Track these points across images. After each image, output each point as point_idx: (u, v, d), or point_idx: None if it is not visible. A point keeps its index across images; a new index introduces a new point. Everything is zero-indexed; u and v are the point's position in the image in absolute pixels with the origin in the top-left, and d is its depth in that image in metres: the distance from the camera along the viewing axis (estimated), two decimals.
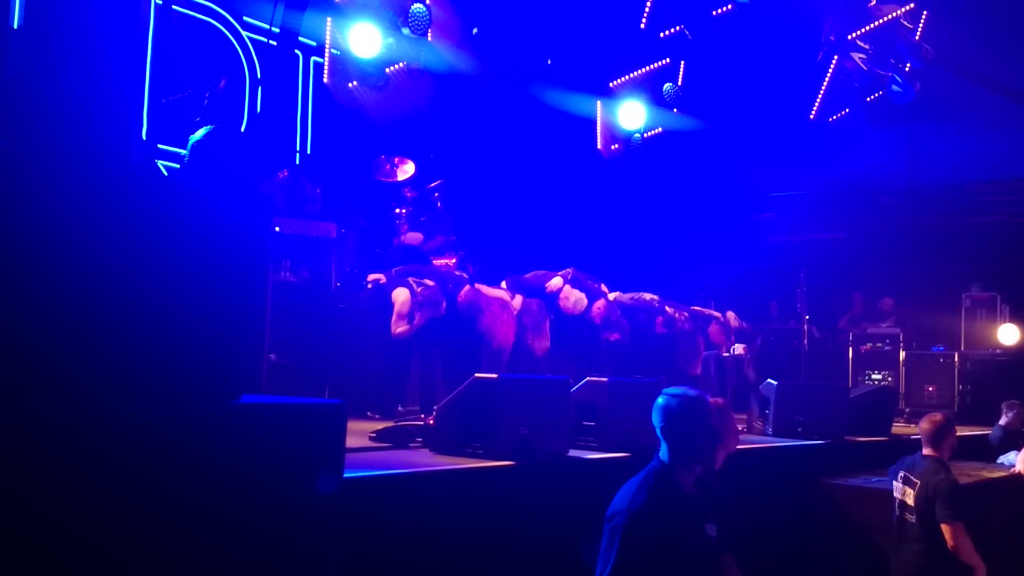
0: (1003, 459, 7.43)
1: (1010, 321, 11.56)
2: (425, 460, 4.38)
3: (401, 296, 7.33)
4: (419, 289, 7.34)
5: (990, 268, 12.51)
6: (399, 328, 7.25)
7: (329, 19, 8.88)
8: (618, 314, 8.71)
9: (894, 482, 5.51)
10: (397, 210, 8.62)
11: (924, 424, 5.57)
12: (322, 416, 2.60)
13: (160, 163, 7.08)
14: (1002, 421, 8.67)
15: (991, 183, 13.00)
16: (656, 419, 3.45)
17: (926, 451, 5.44)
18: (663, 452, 3.44)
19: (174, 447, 2.26)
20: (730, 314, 9.71)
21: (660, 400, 3.47)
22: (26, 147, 2.39)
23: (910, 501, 5.30)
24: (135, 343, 2.33)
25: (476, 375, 4.79)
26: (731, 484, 4.18)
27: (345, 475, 3.00)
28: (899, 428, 9.24)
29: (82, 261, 2.29)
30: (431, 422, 5.06)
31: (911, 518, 5.28)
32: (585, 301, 8.45)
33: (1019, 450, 6.97)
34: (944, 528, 5.12)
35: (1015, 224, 12.92)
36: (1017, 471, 6.73)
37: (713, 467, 4.09)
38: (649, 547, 3.17)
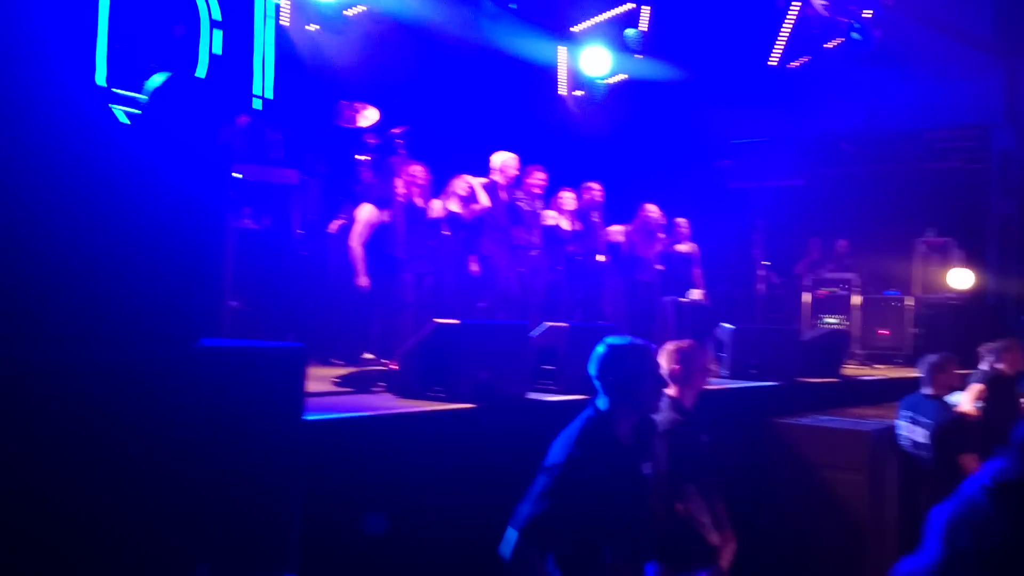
0: (948, 398, 7.65)
1: (963, 266, 11.80)
2: (388, 404, 4.48)
3: (363, 212, 7.47)
4: None
5: (945, 214, 12.74)
6: (362, 282, 7.41)
7: None
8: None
9: (899, 421, 5.73)
10: (359, 157, 8.59)
11: (922, 365, 5.84)
12: (282, 359, 2.67)
13: (117, 108, 6.99)
14: (984, 366, 7.45)
15: (948, 130, 13.17)
16: (595, 368, 3.43)
17: (926, 391, 5.68)
18: (600, 400, 3.42)
19: (135, 390, 2.32)
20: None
21: (600, 348, 3.45)
22: None
23: (920, 439, 5.55)
24: (94, 289, 2.38)
25: (437, 320, 4.88)
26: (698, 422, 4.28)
27: (308, 418, 3.09)
28: (853, 371, 9.51)
29: (40, 208, 2.32)
30: (394, 367, 5.15)
31: (925, 455, 5.54)
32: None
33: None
34: (962, 460, 5.38)
35: (970, 170, 13.12)
36: (963, 411, 6.97)
37: (682, 408, 4.19)
38: (584, 497, 3.19)
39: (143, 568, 2.35)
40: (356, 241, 7.49)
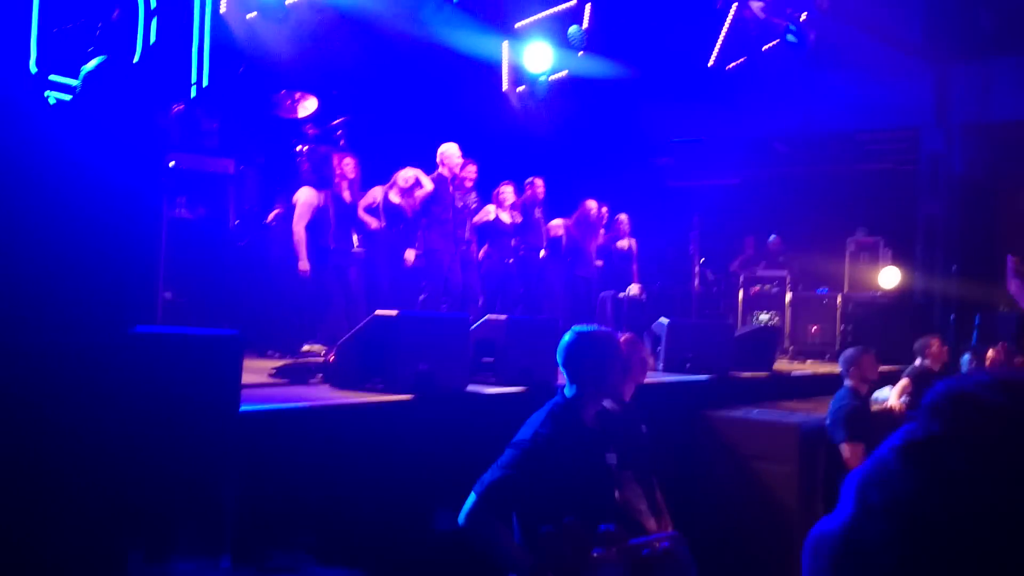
0: (877, 394, 7.88)
1: (892, 265, 12.14)
2: (324, 395, 4.46)
3: (303, 195, 7.44)
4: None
5: (875, 214, 13.10)
6: (303, 266, 7.37)
7: None
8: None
9: None
10: (298, 147, 8.52)
11: (841, 359, 6.04)
12: (217, 347, 2.65)
13: (51, 95, 6.83)
14: (917, 363, 7.77)
15: (879, 131, 13.55)
16: (562, 355, 3.56)
17: (846, 383, 5.90)
18: (568, 388, 3.56)
19: (68, 376, 2.30)
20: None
21: (567, 336, 3.59)
22: None
23: None
24: (26, 275, 2.34)
25: (376, 312, 4.87)
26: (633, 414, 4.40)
27: (242, 409, 3.07)
28: (784, 366, 9.72)
29: None
30: (331, 359, 5.12)
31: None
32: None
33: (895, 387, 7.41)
34: (843, 448, 5.55)
35: (900, 172, 13.51)
36: (889, 406, 7.18)
37: (620, 399, 4.30)
38: (546, 472, 3.32)
39: (75, 554, 2.33)
40: (299, 224, 7.44)
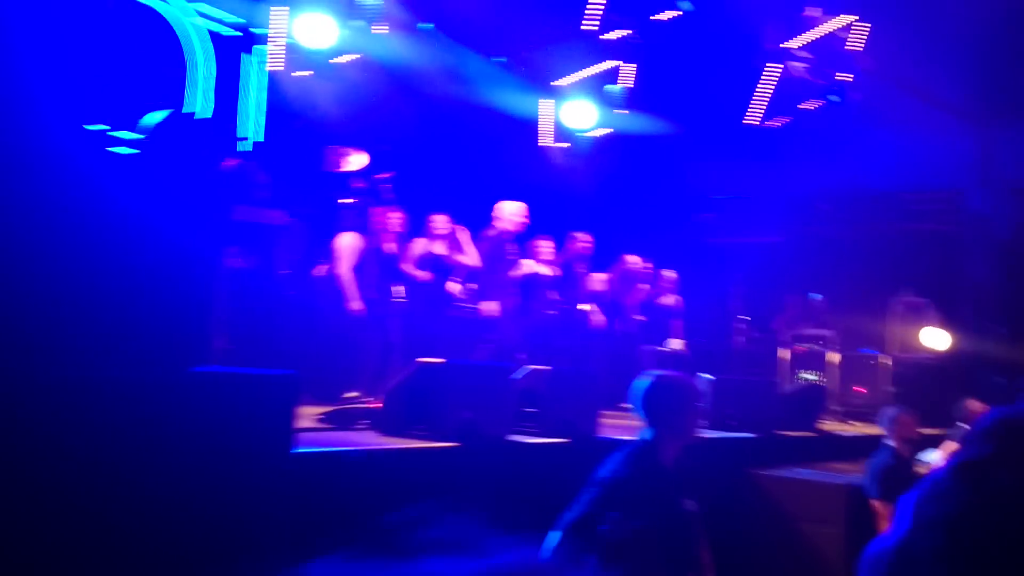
0: (924, 456, 7.73)
1: (939, 326, 11.97)
2: (371, 440, 4.49)
3: (345, 240, 7.55)
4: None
5: (921, 274, 12.94)
6: (356, 306, 7.47)
7: (283, 8, 8.90)
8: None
9: None
10: (344, 200, 8.68)
11: (881, 418, 6.01)
12: (274, 386, 2.70)
13: (114, 149, 7.06)
14: (961, 425, 7.40)
15: (923, 192, 13.46)
16: (639, 400, 3.60)
17: (887, 443, 5.87)
18: (645, 431, 3.60)
19: (131, 410, 2.36)
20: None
21: (644, 381, 3.63)
22: None
23: None
24: (96, 313, 2.43)
25: (420, 359, 4.92)
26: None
27: (295, 450, 3.11)
28: (830, 426, 9.58)
29: (51, 246, 2.40)
30: (378, 405, 5.17)
31: None
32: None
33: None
34: (875, 504, 5.46)
35: (945, 233, 13.38)
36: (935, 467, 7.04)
37: (693, 445, 4.29)
38: (629, 513, 3.34)
39: None
40: (344, 267, 7.57)
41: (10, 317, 2.30)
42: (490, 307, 8.09)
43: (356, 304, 7.48)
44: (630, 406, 3.66)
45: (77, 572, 2.15)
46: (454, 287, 8.17)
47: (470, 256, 8.31)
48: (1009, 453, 0.68)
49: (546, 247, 9.02)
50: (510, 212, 8.39)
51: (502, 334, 8.36)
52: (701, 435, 4.24)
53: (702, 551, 4.28)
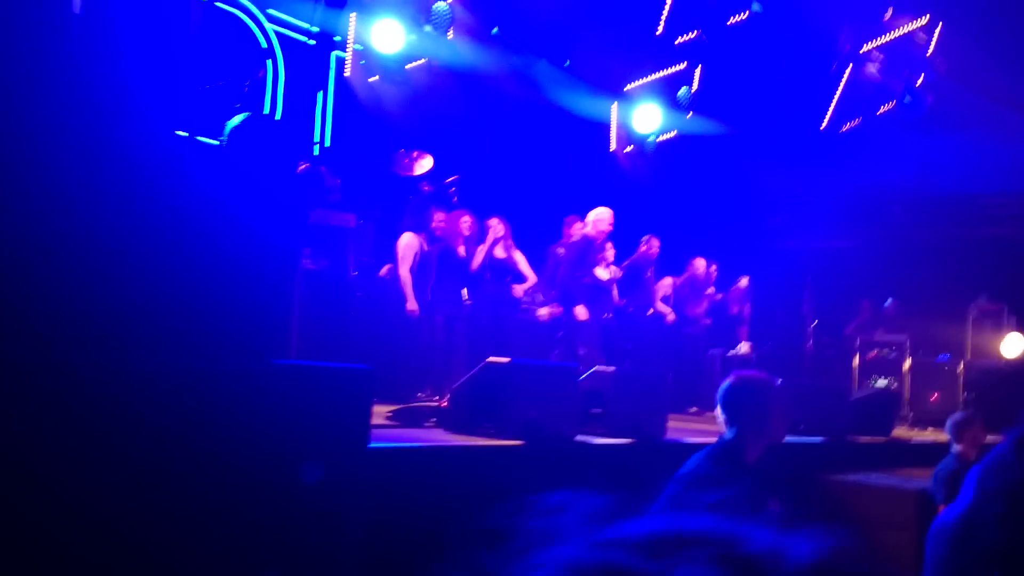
0: None
1: (1016, 332, 11.65)
2: (439, 437, 4.57)
3: (404, 240, 7.67)
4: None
5: (997, 279, 12.59)
6: (411, 306, 7.60)
7: (353, 14, 9.09)
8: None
9: None
10: (414, 203, 8.82)
11: (948, 424, 5.91)
12: (351, 379, 2.79)
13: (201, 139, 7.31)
14: None
15: (999, 195, 13.12)
16: (722, 398, 3.58)
17: (954, 449, 5.77)
18: (729, 431, 3.56)
19: (214, 399, 2.46)
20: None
21: (728, 382, 3.61)
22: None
23: None
24: (184, 303, 2.54)
25: (489, 359, 4.99)
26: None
27: (369, 445, 3.20)
28: (903, 432, 9.39)
29: (146, 243, 2.52)
30: (445, 404, 5.26)
31: None
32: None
33: None
34: (941, 509, 5.37)
35: (1021, 237, 13.02)
36: None
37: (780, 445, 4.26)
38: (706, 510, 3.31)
39: (212, 573, 2.46)
40: (403, 268, 7.71)
41: (100, 307, 2.42)
42: (579, 312, 8.17)
43: (412, 304, 7.61)
44: (714, 408, 3.63)
45: (158, 565, 2.26)
46: (519, 291, 8.25)
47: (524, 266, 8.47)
48: None
49: (606, 250, 9.06)
50: (598, 217, 8.44)
51: (583, 337, 8.40)
52: (783, 438, 4.16)
53: None
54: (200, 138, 6.44)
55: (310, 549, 2.56)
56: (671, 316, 9.60)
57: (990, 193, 13.09)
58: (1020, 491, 0.64)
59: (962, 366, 11.18)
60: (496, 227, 8.66)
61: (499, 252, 8.33)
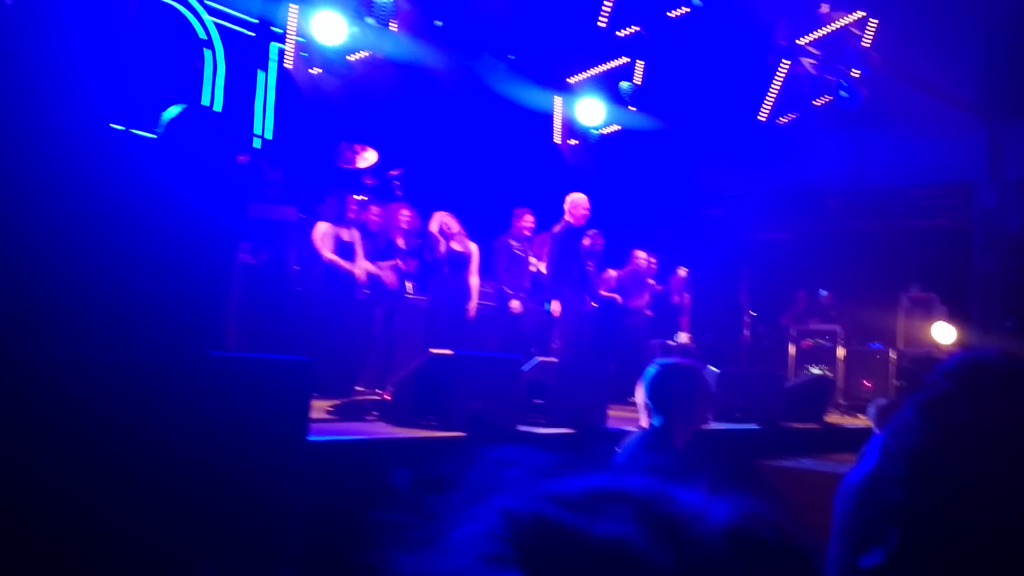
0: None
1: (946, 321, 12.01)
2: (381, 430, 4.59)
3: (320, 229, 7.68)
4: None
5: (928, 269, 12.99)
6: (358, 270, 7.65)
7: (295, 6, 9.00)
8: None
9: None
10: (356, 196, 8.78)
11: (870, 409, 6.03)
12: (289, 371, 2.80)
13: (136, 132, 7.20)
14: None
15: (933, 187, 13.50)
16: (647, 388, 3.58)
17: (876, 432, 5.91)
18: (655, 419, 3.56)
19: (149, 390, 2.46)
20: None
21: (651, 369, 3.60)
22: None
23: None
24: (117, 297, 2.53)
25: (431, 351, 5.02)
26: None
27: (308, 438, 3.21)
28: (836, 419, 9.65)
29: (75, 231, 2.50)
30: (387, 397, 5.27)
31: None
32: None
33: None
34: None
35: (954, 228, 13.42)
36: None
37: (715, 431, 4.34)
38: None
39: (151, 565, 2.47)
40: (326, 252, 7.70)
41: (31, 300, 2.40)
42: (554, 307, 8.26)
43: (360, 268, 7.68)
44: (638, 396, 3.67)
45: (90, 555, 2.26)
46: (517, 307, 8.41)
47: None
48: (967, 390, 0.78)
49: (596, 238, 9.24)
50: (575, 203, 8.49)
51: (559, 331, 8.49)
52: (710, 422, 4.23)
53: None
54: (135, 131, 6.37)
55: (247, 543, 2.57)
56: (619, 299, 9.78)
57: (922, 185, 13.47)
58: (920, 452, 0.71)
59: (894, 354, 11.51)
60: (449, 222, 8.70)
61: (456, 246, 8.36)
